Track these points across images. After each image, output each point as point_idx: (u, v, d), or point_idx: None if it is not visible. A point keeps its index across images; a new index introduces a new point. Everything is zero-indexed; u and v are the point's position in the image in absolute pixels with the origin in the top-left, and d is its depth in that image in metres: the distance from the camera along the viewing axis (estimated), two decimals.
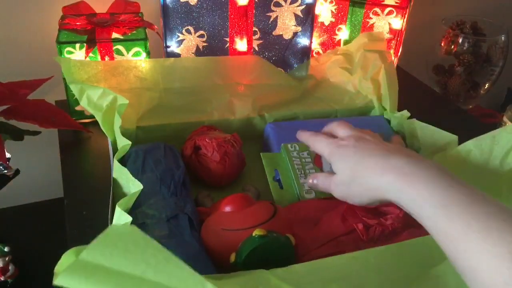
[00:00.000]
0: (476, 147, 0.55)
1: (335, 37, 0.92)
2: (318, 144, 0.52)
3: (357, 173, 0.45)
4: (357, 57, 0.82)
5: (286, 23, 0.84)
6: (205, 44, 0.83)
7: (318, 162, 0.61)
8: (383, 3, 0.86)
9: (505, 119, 1.04)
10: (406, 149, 0.47)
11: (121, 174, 0.52)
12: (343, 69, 0.83)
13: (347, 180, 0.46)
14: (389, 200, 0.43)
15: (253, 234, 0.45)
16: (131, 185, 0.50)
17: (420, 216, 0.39)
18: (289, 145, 0.64)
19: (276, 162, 0.62)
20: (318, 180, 0.52)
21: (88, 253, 0.29)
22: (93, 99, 0.60)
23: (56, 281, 0.27)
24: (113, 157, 0.55)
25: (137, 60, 0.73)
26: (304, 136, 0.55)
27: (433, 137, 0.64)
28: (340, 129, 0.52)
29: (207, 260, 0.46)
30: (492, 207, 0.35)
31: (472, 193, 0.37)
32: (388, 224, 0.51)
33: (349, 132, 0.50)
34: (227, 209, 0.51)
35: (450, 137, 0.62)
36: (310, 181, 0.53)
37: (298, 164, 0.61)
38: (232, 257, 0.46)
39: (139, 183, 0.47)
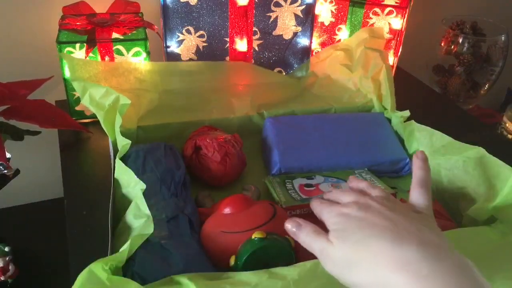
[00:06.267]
0: None
1: (335, 37, 0.92)
2: (322, 212, 0.44)
3: (360, 256, 0.37)
4: (357, 54, 0.81)
5: (286, 23, 0.84)
6: (205, 44, 0.83)
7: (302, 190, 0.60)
8: (383, 3, 0.86)
9: (505, 119, 1.04)
10: (420, 223, 0.39)
11: (122, 174, 0.52)
12: (343, 66, 0.83)
13: (346, 260, 0.38)
14: None
15: (253, 237, 0.45)
16: (133, 185, 0.50)
17: None
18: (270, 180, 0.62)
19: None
20: (303, 233, 0.42)
21: None
22: (95, 98, 0.60)
23: None
24: (114, 157, 0.55)
25: (136, 62, 0.73)
26: (314, 205, 0.46)
27: (431, 138, 0.64)
28: (344, 196, 0.45)
29: (207, 261, 0.46)
30: None
31: None
32: None
33: (355, 198, 0.43)
34: (227, 210, 0.51)
35: (446, 139, 0.62)
36: (289, 226, 0.43)
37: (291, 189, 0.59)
38: (232, 260, 0.45)
39: (143, 183, 0.47)
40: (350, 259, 0.37)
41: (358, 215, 0.40)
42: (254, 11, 0.81)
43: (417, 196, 0.44)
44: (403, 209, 0.41)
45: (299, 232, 0.42)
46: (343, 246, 0.38)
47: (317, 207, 0.45)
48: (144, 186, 0.47)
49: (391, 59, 0.90)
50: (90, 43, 0.70)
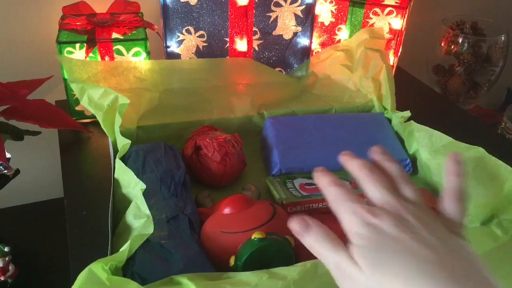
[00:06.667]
0: None
1: (335, 37, 0.92)
2: (341, 208, 0.35)
3: (390, 283, 0.30)
4: (358, 54, 0.82)
5: (286, 23, 0.84)
6: (205, 44, 0.83)
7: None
8: (383, 3, 0.86)
9: (505, 119, 1.04)
10: (460, 254, 0.32)
11: (123, 174, 0.52)
12: (344, 66, 0.83)
13: (370, 284, 0.31)
14: None
15: (252, 237, 0.45)
16: (134, 185, 0.50)
17: None
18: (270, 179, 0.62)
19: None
20: (312, 237, 0.34)
21: None
22: (94, 99, 0.60)
23: None
24: (114, 157, 0.55)
25: (136, 61, 0.73)
26: (324, 184, 0.37)
27: (431, 138, 0.64)
28: (372, 185, 0.36)
29: (207, 261, 0.46)
30: None
31: None
32: None
33: (386, 199, 0.35)
34: (227, 210, 0.51)
35: (446, 139, 0.62)
36: (295, 226, 0.35)
37: (291, 188, 0.60)
38: (232, 261, 0.45)
39: (143, 183, 0.47)
40: (374, 283, 0.31)
41: (394, 234, 0.32)
42: (254, 11, 0.81)
43: (454, 211, 0.36)
44: (441, 229, 0.33)
45: (307, 235, 0.35)
46: (373, 273, 0.31)
47: (331, 193, 0.36)
48: (144, 186, 0.47)
49: (391, 59, 0.90)
50: (90, 43, 0.70)
